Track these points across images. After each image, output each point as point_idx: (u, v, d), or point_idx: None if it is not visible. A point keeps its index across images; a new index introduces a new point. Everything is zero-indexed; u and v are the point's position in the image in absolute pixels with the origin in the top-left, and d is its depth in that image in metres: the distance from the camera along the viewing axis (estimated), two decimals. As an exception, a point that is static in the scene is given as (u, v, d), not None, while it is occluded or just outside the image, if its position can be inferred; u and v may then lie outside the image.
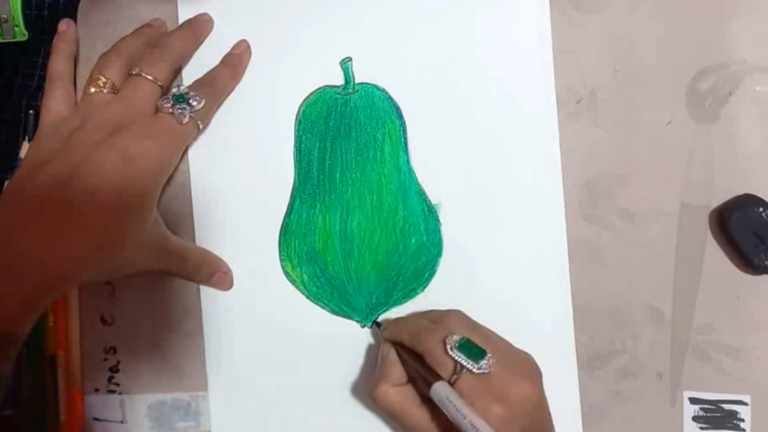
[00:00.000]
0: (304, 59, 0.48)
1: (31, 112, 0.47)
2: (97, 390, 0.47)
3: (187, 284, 0.47)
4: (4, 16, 0.48)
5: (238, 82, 0.47)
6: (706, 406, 0.47)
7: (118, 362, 0.47)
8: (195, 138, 0.46)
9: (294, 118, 0.48)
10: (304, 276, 0.47)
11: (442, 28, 0.48)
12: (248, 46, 0.48)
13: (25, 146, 0.46)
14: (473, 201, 0.47)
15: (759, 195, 0.47)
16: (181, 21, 0.47)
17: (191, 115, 0.43)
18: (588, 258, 0.48)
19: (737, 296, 0.47)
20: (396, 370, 0.41)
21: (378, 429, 0.47)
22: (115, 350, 0.47)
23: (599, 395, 0.47)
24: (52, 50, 0.45)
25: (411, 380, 0.41)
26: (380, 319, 0.47)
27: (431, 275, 0.47)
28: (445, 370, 0.39)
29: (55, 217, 0.39)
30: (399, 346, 0.43)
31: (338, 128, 0.48)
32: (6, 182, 0.46)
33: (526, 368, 0.41)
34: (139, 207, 0.41)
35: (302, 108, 0.48)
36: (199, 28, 0.47)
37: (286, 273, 0.47)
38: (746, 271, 0.47)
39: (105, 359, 0.47)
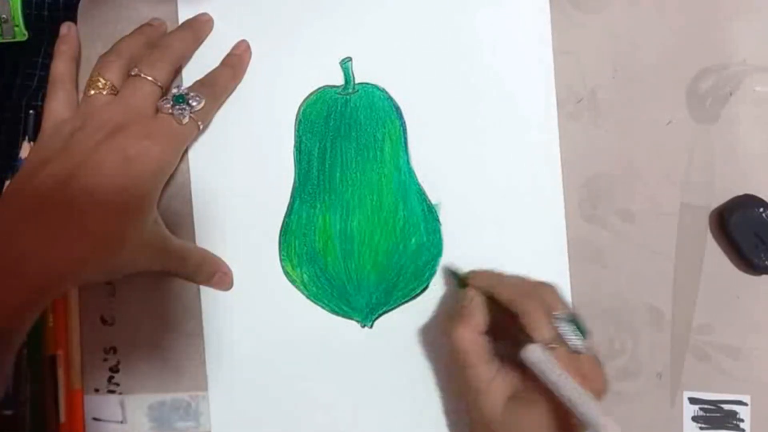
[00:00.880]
0: (304, 59, 0.48)
1: (31, 112, 0.47)
2: (97, 390, 0.47)
3: (187, 284, 0.47)
4: (4, 16, 0.48)
5: (239, 82, 0.47)
6: (705, 406, 0.47)
7: (118, 362, 0.47)
8: (195, 138, 0.46)
9: (294, 118, 0.48)
10: (304, 276, 0.47)
11: (442, 29, 0.48)
12: (248, 47, 0.48)
13: (25, 146, 0.46)
14: (473, 201, 0.47)
15: (759, 195, 0.47)
16: (181, 21, 0.47)
17: (191, 115, 0.43)
18: (588, 258, 0.48)
19: (737, 296, 0.47)
20: (479, 317, 0.41)
21: (378, 429, 0.47)
22: (115, 350, 0.47)
23: (599, 395, 0.47)
24: (54, 53, 0.46)
25: (489, 333, 0.41)
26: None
27: (431, 275, 0.47)
28: (540, 336, 0.39)
29: (55, 217, 0.39)
30: (487, 297, 0.42)
31: (338, 128, 0.48)
32: (6, 182, 0.47)
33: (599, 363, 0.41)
34: (139, 207, 0.41)
35: (302, 108, 0.48)
36: (199, 28, 0.47)
37: (286, 273, 0.47)
38: (746, 272, 0.47)
39: (105, 359, 0.47)
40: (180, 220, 0.47)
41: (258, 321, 0.47)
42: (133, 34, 0.46)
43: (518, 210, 0.47)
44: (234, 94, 0.47)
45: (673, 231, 0.48)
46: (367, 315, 0.47)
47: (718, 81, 0.48)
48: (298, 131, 0.48)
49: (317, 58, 0.48)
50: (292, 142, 0.48)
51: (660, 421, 0.47)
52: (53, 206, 0.39)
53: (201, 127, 0.45)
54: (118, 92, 0.43)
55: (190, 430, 0.47)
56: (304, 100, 0.48)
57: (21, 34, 0.48)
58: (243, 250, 0.47)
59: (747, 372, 0.47)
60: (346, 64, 0.48)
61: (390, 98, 0.48)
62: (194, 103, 0.43)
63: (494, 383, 0.40)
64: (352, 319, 0.47)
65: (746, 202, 0.46)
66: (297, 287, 0.47)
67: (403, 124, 0.47)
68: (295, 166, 0.48)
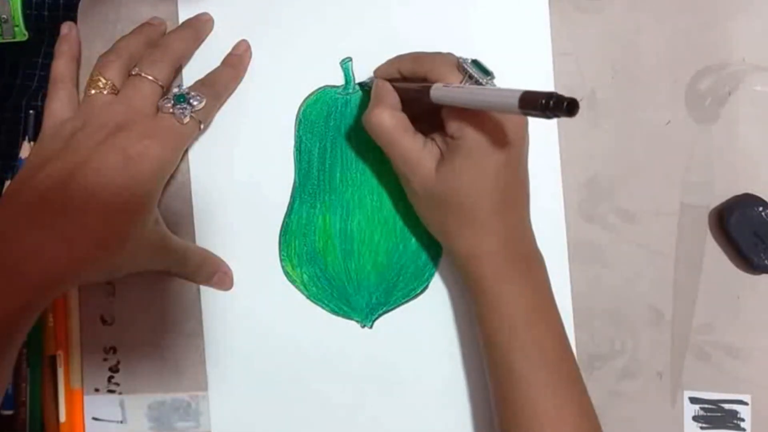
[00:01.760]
0: (304, 59, 0.48)
1: (31, 112, 0.47)
2: (97, 390, 0.47)
3: (187, 284, 0.47)
4: (4, 16, 0.48)
5: (240, 82, 0.47)
6: (706, 405, 0.47)
7: (118, 362, 0.47)
8: (196, 138, 0.46)
9: (294, 118, 0.48)
10: (304, 276, 0.47)
11: (442, 29, 0.48)
12: (249, 47, 0.48)
13: (26, 146, 0.46)
14: (473, 201, 0.47)
15: (759, 195, 0.47)
16: (181, 20, 0.47)
17: (192, 114, 0.43)
18: (588, 258, 0.48)
19: (737, 296, 0.47)
20: (391, 95, 0.42)
21: (378, 428, 0.47)
22: (115, 350, 0.47)
23: (599, 395, 0.47)
24: (55, 53, 0.46)
25: (406, 105, 0.42)
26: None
27: (431, 275, 0.47)
28: (451, 81, 0.40)
29: (56, 217, 0.39)
30: (392, 81, 0.43)
31: (338, 128, 0.48)
32: (6, 182, 0.47)
33: None
34: (140, 207, 0.41)
35: (302, 108, 0.48)
36: (199, 27, 0.47)
37: (286, 273, 0.47)
38: (746, 271, 0.47)
39: (105, 359, 0.47)
40: (180, 220, 0.47)
41: (258, 321, 0.47)
42: (133, 34, 0.46)
43: (518, 210, 0.47)
44: (234, 94, 0.47)
45: (673, 231, 0.48)
46: (367, 315, 0.47)
47: (717, 81, 0.48)
48: (298, 131, 0.48)
49: (317, 58, 0.48)
50: (292, 142, 0.48)
51: (661, 421, 0.47)
52: (53, 206, 0.39)
53: (202, 126, 0.45)
54: (118, 92, 0.43)
55: (189, 430, 0.47)
56: (305, 100, 0.48)
57: (21, 34, 0.48)
58: (243, 250, 0.47)
59: (747, 371, 0.47)
60: (346, 64, 0.48)
61: (390, 98, 0.48)
62: (195, 103, 0.43)
63: (423, 152, 0.41)
64: (352, 319, 0.47)
65: (746, 202, 0.46)
66: (297, 287, 0.47)
67: (403, 124, 0.47)
68: (295, 166, 0.48)
